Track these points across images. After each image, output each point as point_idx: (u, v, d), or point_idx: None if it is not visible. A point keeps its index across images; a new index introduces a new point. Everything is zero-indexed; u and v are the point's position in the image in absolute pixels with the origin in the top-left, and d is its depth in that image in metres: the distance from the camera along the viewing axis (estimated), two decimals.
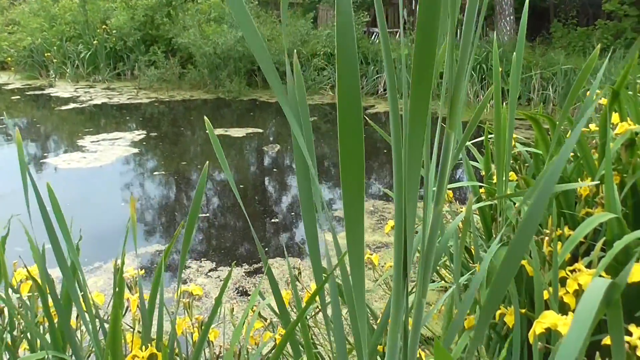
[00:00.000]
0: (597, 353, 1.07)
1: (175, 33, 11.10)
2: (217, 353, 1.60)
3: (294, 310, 1.71)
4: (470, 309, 1.63)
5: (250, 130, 7.80)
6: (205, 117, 1.37)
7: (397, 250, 0.64)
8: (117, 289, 1.26)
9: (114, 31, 11.79)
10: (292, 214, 4.87)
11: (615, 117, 1.97)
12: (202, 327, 1.61)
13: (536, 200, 0.59)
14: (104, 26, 12.09)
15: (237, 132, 7.61)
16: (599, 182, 1.81)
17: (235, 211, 4.89)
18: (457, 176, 5.46)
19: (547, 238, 1.53)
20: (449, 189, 2.57)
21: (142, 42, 11.78)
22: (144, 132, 7.60)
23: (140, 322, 1.50)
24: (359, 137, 0.59)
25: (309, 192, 0.95)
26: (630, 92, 2.05)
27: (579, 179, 1.97)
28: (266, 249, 4.02)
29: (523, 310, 1.54)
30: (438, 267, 2.41)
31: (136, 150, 6.70)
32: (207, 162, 1.35)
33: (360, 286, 0.62)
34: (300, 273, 1.93)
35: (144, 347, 1.39)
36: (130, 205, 1.48)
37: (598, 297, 0.64)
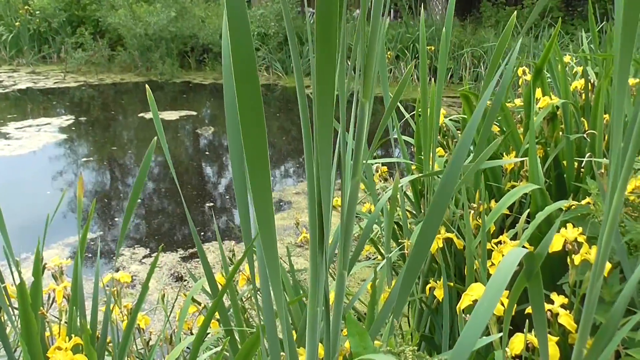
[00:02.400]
0: (527, 321, 1.10)
1: (103, 13, 10.70)
2: (147, 339, 1.57)
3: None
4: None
5: (184, 112, 7.64)
6: (147, 87, 1.31)
7: (311, 223, 0.63)
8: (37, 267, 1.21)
9: (37, 12, 11.26)
10: (227, 197, 4.81)
11: (538, 92, 2.02)
12: (130, 314, 1.56)
13: (446, 175, 0.59)
14: (26, 7, 11.51)
15: (171, 115, 7.43)
16: (523, 158, 1.86)
17: (169, 196, 4.79)
18: (397, 155, 5.50)
19: (472, 212, 1.56)
20: (384, 164, 2.59)
21: (68, 23, 11.29)
22: (73, 117, 7.33)
23: (66, 313, 1.44)
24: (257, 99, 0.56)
25: (243, 175, 0.93)
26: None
27: (505, 154, 2.02)
28: (202, 234, 3.97)
29: (451, 284, 1.57)
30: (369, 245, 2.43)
31: (64, 137, 6.46)
32: (155, 138, 1.28)
33: (275, 265, 0.61)
34: (234, 255, 1.90)
35: (67, 338, 1.34)
36: (78, 187, 1.41)
37: (512, 267, 0.65)
